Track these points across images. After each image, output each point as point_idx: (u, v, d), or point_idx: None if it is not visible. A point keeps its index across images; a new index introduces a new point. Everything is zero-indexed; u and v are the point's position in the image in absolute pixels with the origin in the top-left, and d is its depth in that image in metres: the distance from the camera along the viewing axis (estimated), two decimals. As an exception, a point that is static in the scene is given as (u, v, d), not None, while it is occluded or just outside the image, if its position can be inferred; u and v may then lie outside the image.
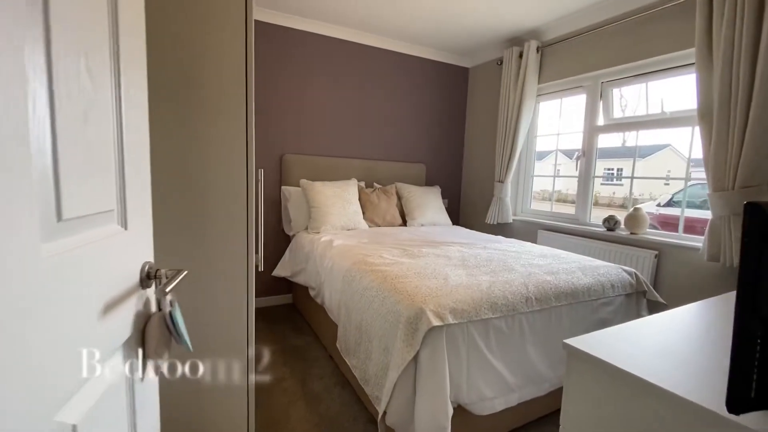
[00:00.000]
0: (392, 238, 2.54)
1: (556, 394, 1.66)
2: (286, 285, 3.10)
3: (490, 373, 1.46)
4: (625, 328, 0.92)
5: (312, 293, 2.39)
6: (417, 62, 3.59)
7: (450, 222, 3.41)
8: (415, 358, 1.33)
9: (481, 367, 1.44)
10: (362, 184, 3.26)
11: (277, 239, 3.07)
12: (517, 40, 3.21)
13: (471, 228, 3.83)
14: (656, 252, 2.33)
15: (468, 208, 3.97)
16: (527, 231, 3.25)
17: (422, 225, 3.21)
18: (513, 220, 3.36)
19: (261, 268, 1.27)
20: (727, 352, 0.53)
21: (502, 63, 3.33)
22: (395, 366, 1.35)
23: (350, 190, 2.98)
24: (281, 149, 3.05)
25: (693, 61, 2.15)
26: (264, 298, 3.09)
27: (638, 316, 1.99)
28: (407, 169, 3.59)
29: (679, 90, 2.38)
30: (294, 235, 2.88)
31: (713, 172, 1.94)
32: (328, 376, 2.06)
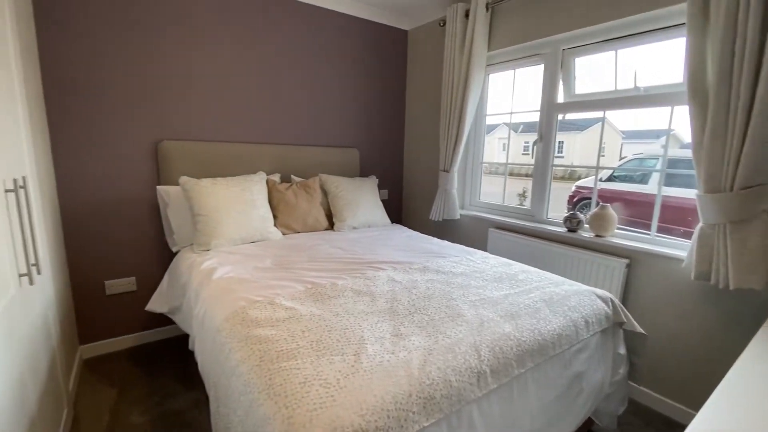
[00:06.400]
0: (306, 257, 1.91)
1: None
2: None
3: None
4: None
5: (190, 345, 1.72)
6: (344, 21, 2.85)
7: (388, 221, 2.83)
8: None
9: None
10: (276, 177, 2.56)
11: (162, 256, 2.32)
12: (462, -5, 2.60)
13: (414, 226, 3.30)
14: (627, 260, 1.93)
15: (411, 202, 3.41)
16: (477, 229, 2.76)
17: (354, 228, 2.59)
18: (461, 215, 2.85)
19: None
20: None
21: (445, 24, 2.71)
22: None
23: (255, 188, 2.27)
24: (158, 134, 2.24)
25: (680, 21, 1.69)
26: (145, 333, 2.36)
27: (615, 355, 1.56)
28: (336, 155, 2.92)
29: (656, 61, 1.92)
30: (178, 252, 2.15)
31: (706, 167, 1.51)
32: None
